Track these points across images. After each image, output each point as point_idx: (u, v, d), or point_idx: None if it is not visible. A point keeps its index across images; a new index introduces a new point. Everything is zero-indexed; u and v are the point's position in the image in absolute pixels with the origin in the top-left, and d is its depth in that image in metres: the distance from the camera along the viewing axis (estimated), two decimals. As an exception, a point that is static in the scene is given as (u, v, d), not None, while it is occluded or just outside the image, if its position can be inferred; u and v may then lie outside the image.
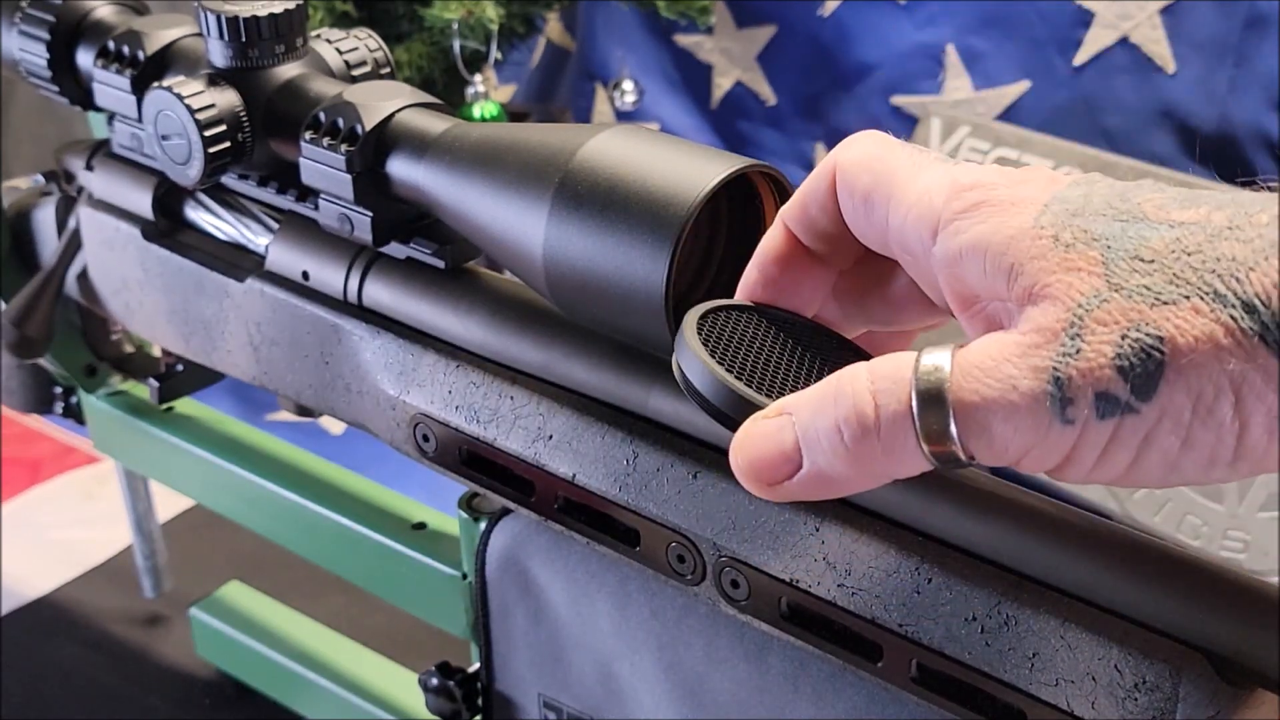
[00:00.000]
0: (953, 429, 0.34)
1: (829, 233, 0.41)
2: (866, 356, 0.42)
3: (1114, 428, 0.33)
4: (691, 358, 0.40)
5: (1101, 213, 0.34)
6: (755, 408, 0.38)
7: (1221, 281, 0.32)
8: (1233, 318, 0.31)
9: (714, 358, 0.40)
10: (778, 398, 0.38)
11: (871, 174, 0.39)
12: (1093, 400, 0.32)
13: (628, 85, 1.39)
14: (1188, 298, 0.32)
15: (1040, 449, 0.33)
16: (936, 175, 0.37)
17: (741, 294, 0.43)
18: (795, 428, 0.37)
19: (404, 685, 0.77)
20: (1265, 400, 0.31)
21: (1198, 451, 0.32)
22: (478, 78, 1.23)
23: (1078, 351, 0.32)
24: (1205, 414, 0.32)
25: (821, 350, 0.42)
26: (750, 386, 0.39)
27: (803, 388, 0.38)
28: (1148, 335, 0.32)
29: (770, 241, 0.42)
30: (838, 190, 0.40)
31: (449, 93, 1.24)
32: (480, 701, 0.62)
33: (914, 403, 0.34)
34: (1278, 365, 0.31)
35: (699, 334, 0.41)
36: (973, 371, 0.34)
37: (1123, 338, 0.32)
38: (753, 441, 0.37)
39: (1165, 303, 0.32)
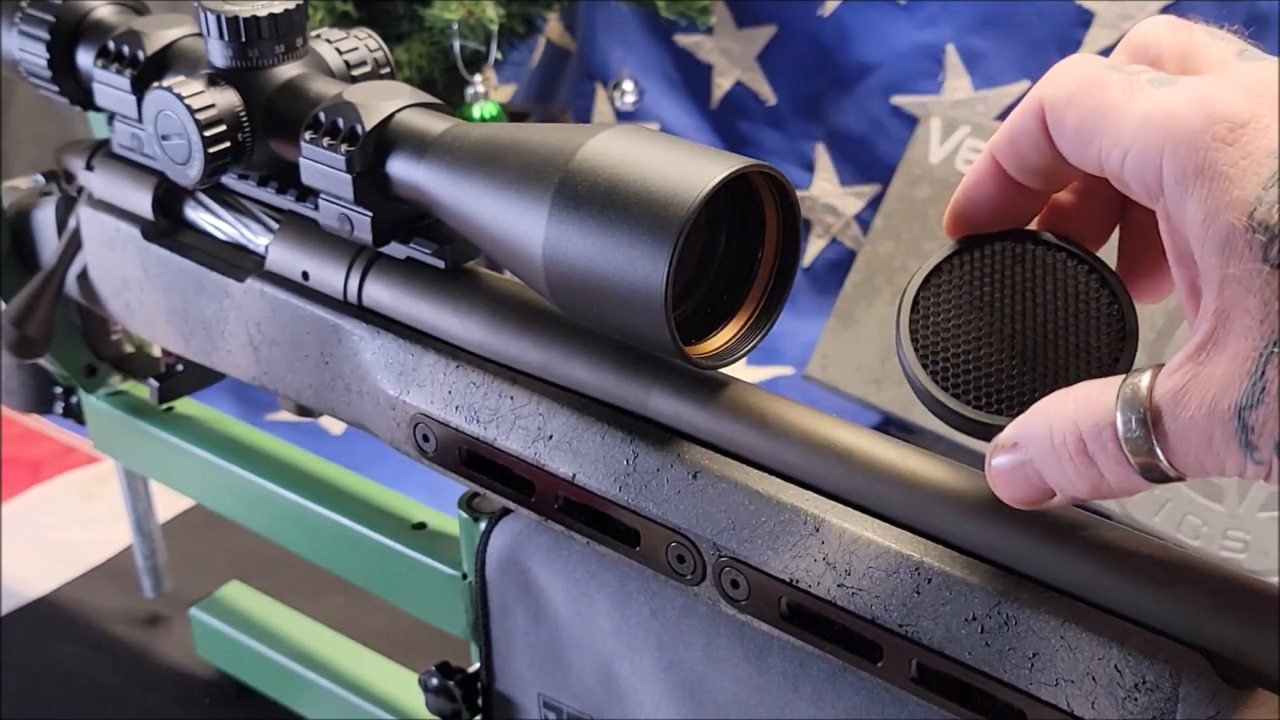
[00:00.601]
0: (1159, 454, 0.35)
1: (1040, 167, 0.40)
2: (1089, 270, 0.42)
3: None
4: (912, 374, 0.42)
5: None
6: (983, 426, 0.41)
7: None
8: None
9: (928, 358, 0.42)
10: (1001, 406, 0.41)
11: (1079, 111, 0.37)
12: (1275, 445, 0.33)
13: (628, 85, 1.39)
14: None
15: (1246, 474, 0.34)
16: (1151, 106, 0.35)
17: (948, 222, 0.44)
18: (1035, 464, 0.38)
19: (404, 685, 0.77)
20: None
21: None
22: (478, 78, 1.23)
23: (1260, 396, 0.33)
24: None
25: (1042, 306, 0.43)
26: (972, 400, 0.41)
27: (1027, 386, 0.41)
28: None
29: (978, 172, 0.42)
30: (1049, 128, 0.39)
31: (449, 93, 1.24)
32: (480, 701, 0.62)
33: (1122, 429, 0.36)
34: None
35: (913, 338, 0.42)
36: (1174, 411, 0.35)
37: None
38: (1004, 480, 0.40)
39: None
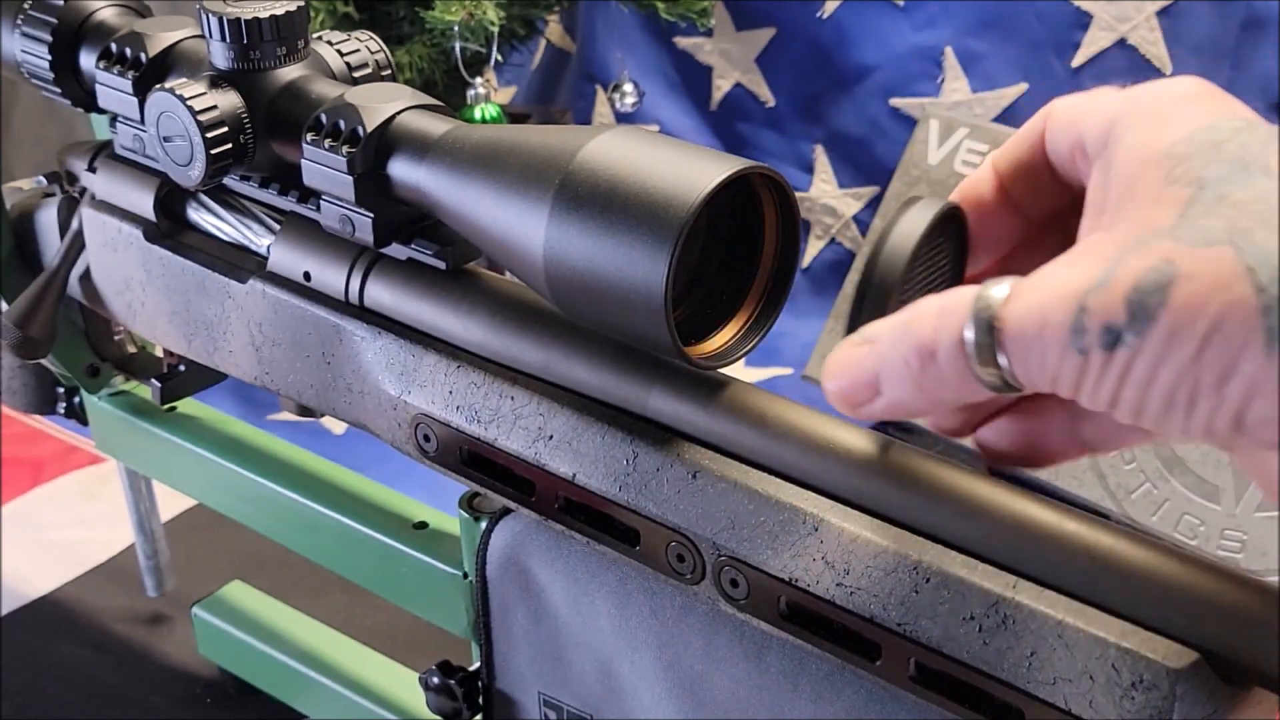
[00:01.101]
0: (999, 355, 0.35)
1: (1028, 170, 0.42)
2: None
3: (1107, 360, 0.33)
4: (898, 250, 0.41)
5: (1229, 158, 0.34)
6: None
7: (1265, 232, 0.31)
8: (1249, 268, 0.31)
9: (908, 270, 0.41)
10: None
11: (1078, 103, 0.40)
12: (1100, 331, 0.33)
13: (628, 87, 1.39)
14: (1226, 243, 0.31)
15: (1062, 376, 0.34)
16: (1134, 90, 0.38)
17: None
18: (876, 356, 0.38)
19: (405, 684, 0.77)
20: (1264, 386, 0.31)
21: (1191, 412, 0.32)
22: (478, 80, 1.23)
23: (1108, 279, 0.33)
24: (1190, 366, 0.32)
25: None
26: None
27: None
28: (1165, 271, 0.32)
29: (975, 180, 0.44)
30: (1048, 125, 0.41)
31: (450, 95, 1.24)
32: (481, 700, 0.62)
33: (969, 329, 0.36)
34: (1263, 341, 0.31)
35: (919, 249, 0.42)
36: (1023, 297, 0.35)
37: (1146, 271, 0.32)
38: (841, 367, 0.40)
39: (1207, 244, 0.32)
